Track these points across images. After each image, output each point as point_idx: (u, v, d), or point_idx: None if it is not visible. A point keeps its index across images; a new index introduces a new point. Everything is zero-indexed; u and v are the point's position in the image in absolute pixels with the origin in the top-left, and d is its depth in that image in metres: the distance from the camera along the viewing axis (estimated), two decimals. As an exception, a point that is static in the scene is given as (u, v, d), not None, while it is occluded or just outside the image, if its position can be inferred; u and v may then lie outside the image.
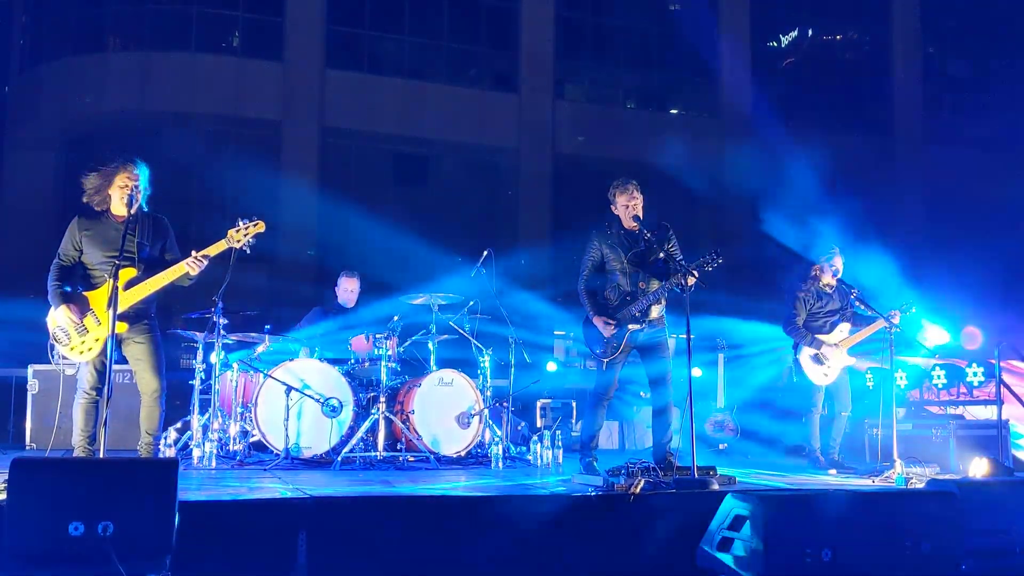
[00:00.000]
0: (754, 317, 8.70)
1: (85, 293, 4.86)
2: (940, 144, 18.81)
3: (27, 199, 14.98)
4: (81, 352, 4.81)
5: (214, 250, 4.92)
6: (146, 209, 5.00)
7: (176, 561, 3.28)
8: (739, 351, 9.20)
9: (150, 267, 4.89)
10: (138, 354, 4.92)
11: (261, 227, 4.99)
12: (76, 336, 4.79)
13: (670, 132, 17.59)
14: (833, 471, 6.36)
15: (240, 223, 4.96)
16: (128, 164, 4.93)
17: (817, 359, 6.54)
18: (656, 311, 5.56)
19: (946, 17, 19.31)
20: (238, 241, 4.93)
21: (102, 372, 4.83)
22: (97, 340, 4.79)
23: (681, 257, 5.45)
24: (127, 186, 4.88)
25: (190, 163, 14.10)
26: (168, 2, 15.68)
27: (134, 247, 4.81)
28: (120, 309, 4.47)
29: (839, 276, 6.62)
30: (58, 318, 4.80)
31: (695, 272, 5.16)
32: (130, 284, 4.78)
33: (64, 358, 4.96)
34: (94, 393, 4.87)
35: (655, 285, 5.52)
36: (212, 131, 15.11)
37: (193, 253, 4.87)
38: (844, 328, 6.57)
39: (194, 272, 4.86)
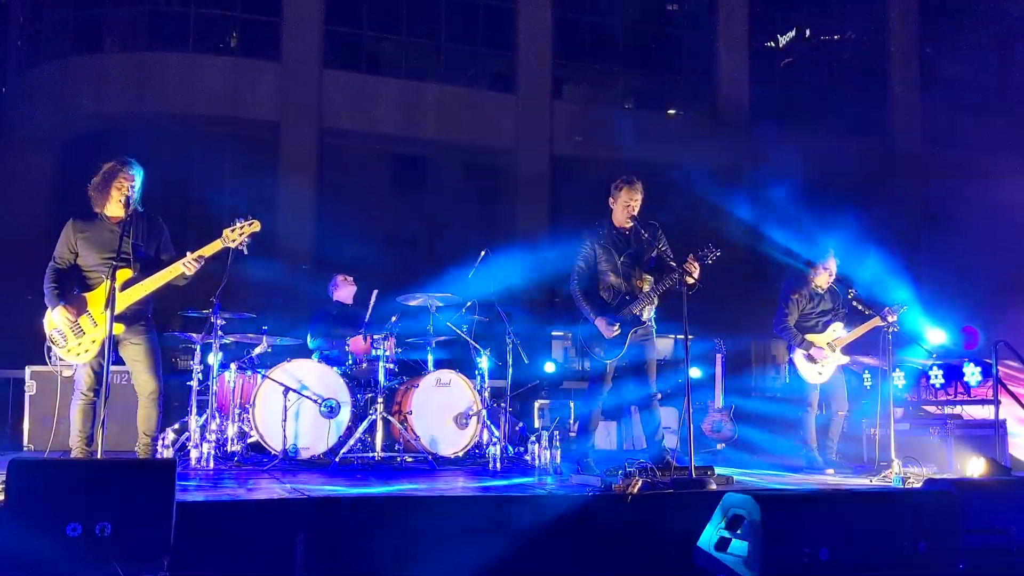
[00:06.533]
0: (751, 316, 8.70)
1: (82, 295, 4.86)
2: (938, 144, 18.83)
3: (24, 200, 14.96)
4: (78, 354, 4.81)
5: (210, 250, 4.93)
6: (141, 210, 5.00)
7: (174, 562, 3.28)
8: (737, 351, 9.21)
9: (146, 267, 4.89)
10: (135, 355, 4.92)
11: (256, 226, 4.99)
12: (73, 338, 4.79)
13: (668, 132, 17.61)
14: (831, 471, 6.37)
15: (236, 222, 4.96)
16: (125, 165, 4.94)
17: (811, 358, 6.56)
18: (648, 312, 5.57)
19: (943, 18, 19.35)
20: (233, 240, 4.94)
21: (99, 373, 4.83)
22: (94, 342, 4.79)
23: (671, 256, 5.45)
24: (124, 187, 4.89)
25: (188, 164, 14.10)
26: (165, 3, 15.67)
27: (129, 248, 4.82)
28: (117, 310, 4.47)
29: (833, 277, 6.64)
30: (55, 320, 4.80)
31: (695, 265, 5.16)
32: (126, 285, 4.78)
33: (61, 359, 4.97)
34: (91, 394, 4.87)
35: (648, 285, 5.53)
36: (209, 132, 15.09)
37: (188, 253, 4.87)
38: (837, 327, 6.61)
39: (190, 272, 4.87)
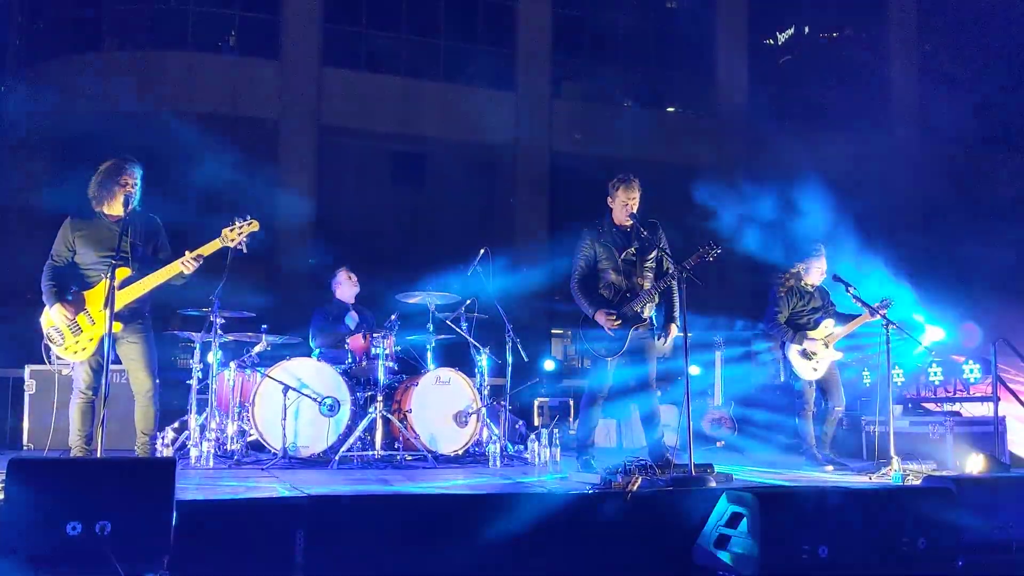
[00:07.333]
0: (750, 314, 8.70)
1: (80, 293, 4.86)
2: (938, 141, 18.83)
3: (24, 198, 14.95)
4: (76, 352, 4.81)
5: (208, 249, 4.94)
6: (138, 208, 5.01)
7: (174, 560, 3.28)
8: (735, 348, 9.21)
9: (143, 266, 4.90)
10: (131, 354, 4.92)
11: (255, 226, 5.00)
12: (70, 336, 4.79)
13: (667, 130, 17.60)
14: (830, 467, 6.38)
15: (235, 222, 4.97)
16: (128, 164, 4.95)
17: (805, 354, 6.60)
18: (648, 309, 5.58)
19: (942, 14, 19.33)
20: (232, 240, 4.95)
21: (97, 371, 4.85)
22: (91, 340, 4.80)
23: (671, 254, 5.47)
24: (127, 186, 4.90)
25: (186, 162, 14.09)
26: (165, 1, 15.66)
27: (127, 246, 4.82)
28: (115, 308, 4.47)
29: (823, 275, 6.71)
30: (53, 317, 4.80)
31: (691, 263, 5.18)
32: (125, 283, 4.78)
33: (59, 358, 4.97)
34: (90, 393, 4.88)
35: (648, 283, 5.54)
36: (209, 130, 15.08)
37: (187, 253, 4.88)
38: (828, 324, 6.67)
39: (188, 271, 4.88)
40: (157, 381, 5.01)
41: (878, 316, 6.22)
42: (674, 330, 5.58)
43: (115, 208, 4.92)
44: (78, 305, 4.82)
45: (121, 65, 15.25)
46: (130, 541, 3.20)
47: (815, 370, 6.63)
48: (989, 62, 19.06)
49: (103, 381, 4.23)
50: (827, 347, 6.63)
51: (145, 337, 4.97)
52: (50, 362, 5.11)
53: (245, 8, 15.82)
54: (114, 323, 4.53)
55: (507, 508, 4.11)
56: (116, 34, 15.78)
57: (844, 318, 6.68)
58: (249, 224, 4.99)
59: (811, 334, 6.62)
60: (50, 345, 4.86)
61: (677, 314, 5.55)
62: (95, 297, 4.82)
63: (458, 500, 4.33)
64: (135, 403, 5.01)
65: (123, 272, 4.76)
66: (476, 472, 5.76)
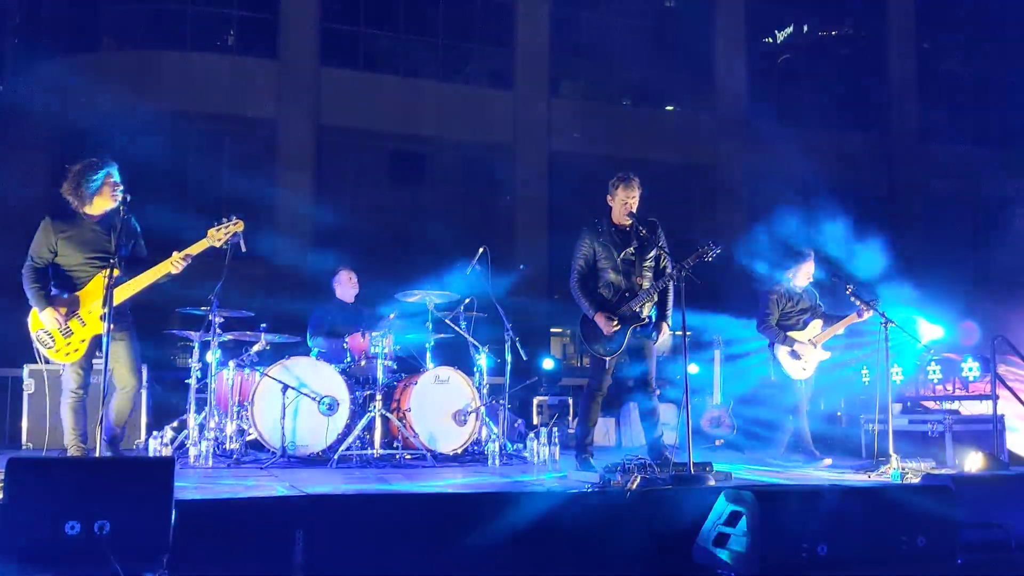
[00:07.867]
0: (749, 314, 8.71)
1: (75, 295, 4.85)
2: (936, 140, 18.84)
3: (21, 199, 14.94)
4: (67, 354, 4.80)
5: (196, 249, 4.95)
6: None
7: (173, 560, 3.28)
8: (735, 348, 9.22)
9: (128, 266, 4.91)
10: (117, 352, 4.91)
11: (240, 226, 5.02)
12: (61, 339, 4.77)
13: (666, 129, 17.61)
14: (828, 461, 6.41)
15: (220, 222, 5.00)
16: (110, 162, 4.94)
17: (795, 354, 6.67)
18: (648, 308, 5.58)
19: (941, 13, 19.35)
20: (218, 240, 4.97)
21: (87, 371, 4.87)
22: (83, 341, 4.80)
23: (670, 253, 5.48)
24: (116, 184, 4.90)
25: (186, 162, 14.09)
26: (163, 1, 15.64)
27: (112, 247, 4.82)
28: (103, 309, 4.47)
29: (810, 278, 6.79)
30: (44, 320, 4.77)
31: (690, 262, 5.18)
32: (115, 284, 4.77)
33: (48, 360, 4.95)
34: (81, 392, 4.89)
35: (647, 282, 5.54)
36: (208, 130, 15.08)
37: (175, 254, 4.88)
38: (816, 325, 6.76)
39: (176, 271, 4.91)
40: (141, 378, 5.02)
41: (868, 315, 6.28)
42: (665, 329, 5.58)
43: (97, 208, 4.91)
44: (70, 307, 4.80)
45: (119, 65, 15.24)
46: (129, 541, 3.19)
47: (804, 369, 6.72)
48: (988, 62, 19.07)
49: (103, 380, 4.22)
50: (815, 347, 6.71)
51: (129, 335, 4.97)
52: (42, 361, 5.10)
53: (243, 8, 15.81)
54: (101, 324, 4.54)
55: (506, 507, 4.11)
56: (114, 34, 15.76)
57: (832, 319, 6.78)
58: (235, 224, 5.00)
59: (799, 335, 6.71)
60: (40, 348, 4.84)
61: (669, 312, 5.56)
62: (86, 299, 4.81)
63: (457, 499, 4.33)
64: (115, 394, 4.99)
65: (114, 273, 4.75)
66: (475, 471, 5.76)
